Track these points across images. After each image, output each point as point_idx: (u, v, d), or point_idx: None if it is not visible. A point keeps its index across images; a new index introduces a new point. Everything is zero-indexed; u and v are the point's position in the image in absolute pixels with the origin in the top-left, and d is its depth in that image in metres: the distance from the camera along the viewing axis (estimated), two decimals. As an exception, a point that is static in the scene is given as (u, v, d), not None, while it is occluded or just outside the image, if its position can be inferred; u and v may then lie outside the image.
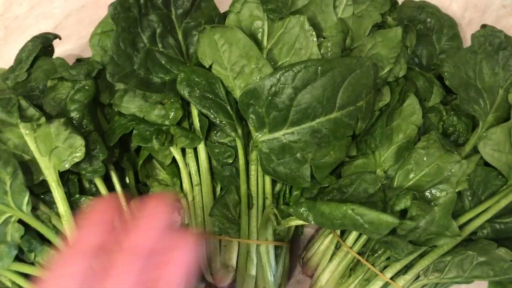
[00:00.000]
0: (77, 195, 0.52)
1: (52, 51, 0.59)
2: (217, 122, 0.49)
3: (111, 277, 0.31)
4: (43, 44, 0.55)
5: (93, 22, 0.56)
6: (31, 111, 0.47)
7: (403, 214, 0.48)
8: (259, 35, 0.50)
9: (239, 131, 0.51)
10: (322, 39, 0.50)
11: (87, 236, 0.32)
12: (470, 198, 0.51)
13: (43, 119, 0.47)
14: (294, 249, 0.61)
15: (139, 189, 0.57)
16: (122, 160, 0.56)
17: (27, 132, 0.48)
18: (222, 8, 0.55)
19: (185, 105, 0.53)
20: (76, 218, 0.32)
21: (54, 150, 0.49)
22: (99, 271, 0.31)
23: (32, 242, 0.50)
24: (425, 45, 0.61)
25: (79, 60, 0.61)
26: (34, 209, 0.50)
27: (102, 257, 0.31)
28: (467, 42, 0.64)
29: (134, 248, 0.31)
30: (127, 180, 0.57)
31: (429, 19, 0.62)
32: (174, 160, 0.54)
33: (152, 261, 0.32)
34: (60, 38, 0.58)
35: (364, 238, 0.52)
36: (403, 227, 0.45)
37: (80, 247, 0.31)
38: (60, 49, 0.69)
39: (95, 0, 0.72)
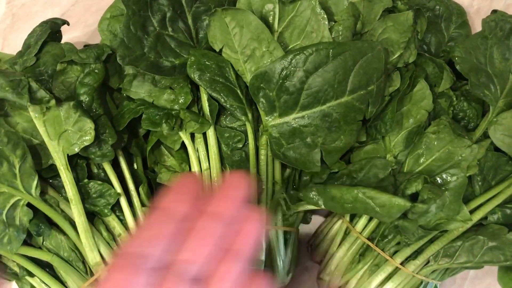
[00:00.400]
0: (86, 180, 0.52)
1: (60, 37, 0.59)
2: (227, 106, 0.49)
3: (192, 239, 0.34)
4: (52, 29, 0.55)
5: (100, 10, 0.56)
6: (41, 93, 0.47)
7: (413, 198, 0.47)
8: (270, 18, 0.49)
9: (249, 115, 0.50)
10: (333, 23, 0.49)
11: (174, 203, 0.35)
12: (480, 183, 0.51)
13: (53, 102, 0.47)
14: (302, 237, 0.60)
15: (147, 175, 0.57)
16: (130, 146, 0.56)
17: (36, 115, 0.48)
18: (232, -6, 0.55)
19: (194, 90, 0.53)
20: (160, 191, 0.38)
21: (63, 133, 0.48)
22: (183, 234, 0.34)
23: (41, 226, 0.50)
24: (434, 33, 0.61)
25: (87, 46, 0.61)
26: (42, 193, 0.50)
27: (187, 222, 0.34)
28: (475, 30, 0.64)
29: (215, 214, 0.35)
30: (135, 166, 0.57)
31: (438, 7, 0.62)
32: (182, 145, 0.54)
33: (229, 228, 0.35)
34: (68, 24, 0.58)
35: (374, 223, 0.52)
36: (415, 210, 0.45)
37: (168, 212, 0.34)
38: (67, 36, 0.69)
39: (102, -12, 0.72)
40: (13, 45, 0.70)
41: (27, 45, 0.55)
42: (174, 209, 0.35)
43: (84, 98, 0.50)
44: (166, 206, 0.35)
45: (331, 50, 0.45)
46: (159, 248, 0.33)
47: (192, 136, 0.53)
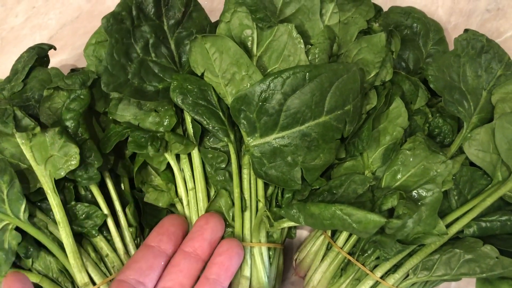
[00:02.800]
0: (73, 202, 0.53)
1: (47, 61, 0.61)
2: (210, 128, 0.51)
3: (175, 272, 0.44)
4: (39, 55, 0.57)
5: (88, 33, 0.58)
6: (26, 121, 0.48)
7: (391, 213, 0.49)
8: (249, 43, 0.51)
9: (231, 136, 0.52)
10: (310, 46, 0.51)
11: (160, 242, 0.46)
12: (456, 197, 0.53)
13: (38, 129, 0.48)
14: (288, 252, 0.62)
15: (134, 195, 0.58)
16: (117, 167, 0.57)
17: (23, 141, 0.49)
18: (213, 18, 0.57)
19: (179, 112, 0.54)
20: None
21: (49, 158, 0.50)
22: (168, 268, 0.45)
23: (29, 249, 0.51)
24: (412, 50, 0.63)
25: (73, 70, 0.62)
26: (31, 216, 0.51)
27: (170, 258, 0.46)
28: (453, 46, 0.66)
29: (193, 254, 0.45)
30: (122, 187, 0.58)
31: (416, 24, 0.64)
32: (168, 166, 0.56)
33: (203, 264, 0.46)
34: (55, 49, 0.59)
35: (354, 238, 0.53)
36: (390, 225, 0.46)
37: (155, 249, 0.45)
38: (56, 59, 0.71)
39: (89, 11, 0.74)
40: (3, 68, 0.71)
41: (14, 71, 0.57)
42: (160, 247, 0.45)
43: (70, 123, 0.51)
44: (154, 244, 0.46)
45: (307, 73, 0.47)
46: (153, 276, 0.44)
47: (178, 157, 0.55)
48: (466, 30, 0.56)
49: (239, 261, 0.47)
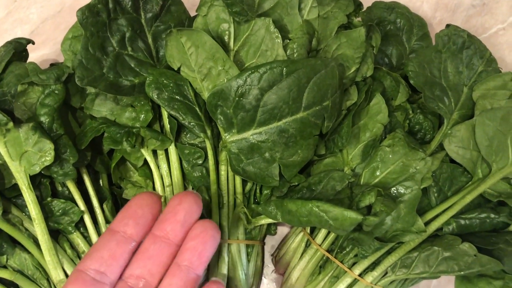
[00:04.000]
0: (49, 198, 0.52)
1: (26, 55, 0.60)
2: (186, 123, 0.50)
3: (143, 259, 0.39)
4: (16, 49, 0.56)
5: (69, 28, 0.57)
6: (-1, 116, 0.48)
7: (369, 210, 0.48)
8: (226, 38, 0.50)
9: (208, 132, 0.51)
10: (288, 41, 0.50)
11: (125, 227, 0.39)
12: (436, 194, 0.52)
13: (10, 124, 0.48)
14: (268, 249, 0.61)
15: (113, 191, 0.57)
16: (95, 163, 0.56)
17: (-3, 136, 0.49)
18: (193, 12, 0.56)
19: (156, 108, 0.54)
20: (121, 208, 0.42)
21: (24, 154, 0.49)
22: (136, 254, 0.39)
23: (3, 245, 0.50)
24: (395, 45, 0.62)
25: (53, 65, 0.61)
26: (5, 212, 0.51)
27: (137, 243, 0.39)
28: (437, 42, 0.66)
29: (163, 238, 0.39)
30: (101, 183, 0.57)
31: (399, 20, 0.63)
32: (146, 162, 0.55)
33: (176, 249, 0.40)
34: (33, 43, 0.58)
35: (332, 235, 0.53)
36: (367, 223, 0.46)
37: (120, 234, 0.39)
38: (37, 54, 0.70)
39: (71, 5, 0.73)
40: (-17, 63, 0.70)
41: (-9, 66, 0.56)
42: (126, 232, 0.39)
43: (45, 118, 0.50)
44: (118, 229, 0.39)
45: (284, 68, 0.46)
46: (117, 266, 0.38)
47: (154, 152, 0.54)
48: (448, 26, 0.55)
49: (214, 245, 0.41)
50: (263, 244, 0.58)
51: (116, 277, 0.38)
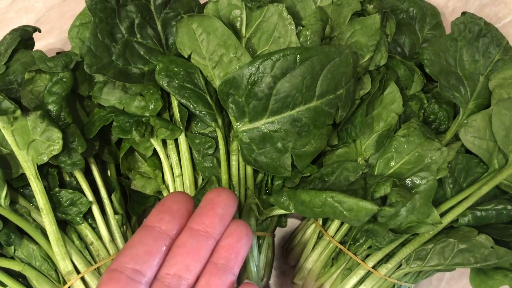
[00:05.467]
0: (57, 189, 0.52)
1: (32, 44, 0.59)
2: (197, 112, 0.49)
3: (182, 255, 0.36)
4: (22, 37, 0.55)
5: (75, 16, 0.56)
6: (6, 103, 0.47)
7: (383, 201, 0.47)
8: (238, 24, 0.49)
9: (219, 121, 0.50)
10: (301, 28, 0.49)
11: (161, 222, 0.37)
12: (451, 185, 0.51)
13: (18, 112, 0.47)
14: (278, 241, 0.60)
15: (120, 182, 0.56)
16: (103, 153, 0.55)
17: (4, 125, 0.48)
18: (204, 0, 0.55)
19: (165, 96, 0.53)
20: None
21: (31, 143, 0.48)
22: (173, 250, 0.37)
23: (11, 236, 0.49)
24: (408, 34, 0.61)
25: (59, 54, 0.60)
26: (13, 203, 0.50)
27: (174, 240, 0.37)
28: (450, 31, 0.64)
29: (203, 232, 0.37)
30: (109, 173, 0.57)
31: (412, 8, 0.62)
32: (155, 152, 0.54)
33: (216, 244, 0.38)
34: (39, 31, 0.57)
35: (345, 227, 0.52)
36: (383, 213, 0.45)
37: (156, 230, 0.37)
38: (42, 43, 0.69)
39: (77, -7, 0.72)
40: (-13, 52, 0.69)
41: (-3, 54, 0.55)
42: (161, 228, 0.37)
43: (53, 107, 0.49)
44: (153, 224, 0.37)
45: (298, 55, 0.45)
46: (153, 263, 0.36)
47: (164, 142, 0.53)
48: (463, 13, 0.54)
49: (249, 244, 0.39)
50: (273, 236, 0.57)
51: (152, 275, 0.36)
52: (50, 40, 0.69)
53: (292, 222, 0.61)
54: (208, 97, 0.50)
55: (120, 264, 0.35)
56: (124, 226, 0.55)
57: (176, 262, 0.36)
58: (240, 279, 0.51)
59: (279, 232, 0.61)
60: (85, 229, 0.52)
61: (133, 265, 0.35)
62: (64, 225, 0.52)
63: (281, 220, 0.58)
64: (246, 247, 0.38)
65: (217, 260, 0.37)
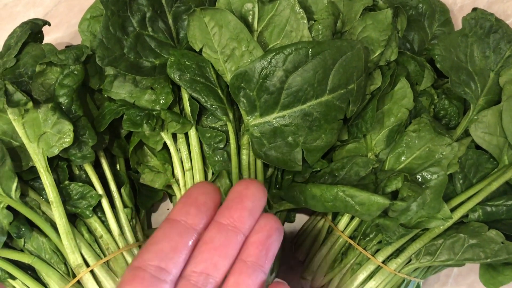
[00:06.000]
0: (67, 182, 0.51)
1: (41, 37, 0.59)
2: (208, 106, 0.49)
3: (210, 251, 0.34)
4: (32, 30, 0.55)
5: (83, 10, 0.56)
6: (18, 95, 0.47)
7: (394, 196, 0.47)
8: (250, 18, 0.49)
9: (230, 115, 0.50)
10: (313, 22, 0.49)
11: (187, 216, 0.34)
12: (461, 181, 0.51)
13: (30, 104, 0.47)
14: (287, 236, 0.60)
15: (130, 176, 0.56)
16: (112, 147, 0.55)
17: (15, 117, 0.48)
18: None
19: (176, 90, 0.53)
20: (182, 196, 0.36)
21: (42, 135, 0.48)
22: (199, 246, 0.34)
23: (21, 229, 0.49)
24: (417, 31, 0.61)
25: (69, 47, 0.60)
26: (23, 195, 0.50)
27: (200, 234, 0.34)
28: (458, 27, 0.64)
29: (232, 226, 0.34)
30: (118, 167, 0.56)
31: (421, 5, 0.62)
32: (165, 146, 0.54)
33: (246, 239, 0.35)
34: (49, 24, 0.57)
35: (355, 222, 0.52)
36: (394, 208, 0.45)
37: (181, 225, 0.34)
38: (51, 37, 0.69)
39: (85, -12, 0.71)
40: (-5, 46, 0.69)
41: (7, 46, 0.55)
42: (187, 222, 0.34)
43: (64, 99, 0.49)
44: (179, 218, 0.35)
45: (310, 50, 0.45)
46: (178, 260, 0.33)
47: (174, 136, 0.53)
48: (474, 9, 0.54)
49: (279, 240, 0.36)
50: (282, 231, 0.57)
51: (178, 273, 0.33)
52: (59, 34, 0.69)
53: (300, 218, 0.61)
54: (219, 91, 0.50)
55: (144, 262, 0.33)
56: (134, 220, 0.55)
57: (203, 259, 0.34)
58: None
59: (287, 227, 0.61)
60: (94, 223, 0.52)
61: (157, 262, 0.33)
62: (73, 219, 0.52)
63: (289, 215, 0.58)
64: (277, 243, 0.36)
65: (247, 258, 0.34)
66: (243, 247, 0.35)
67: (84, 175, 0.53)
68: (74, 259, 0.50)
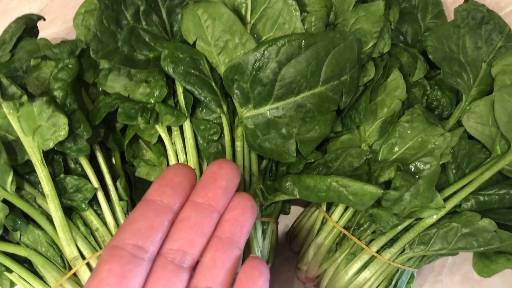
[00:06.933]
0: (62, 175, 0.52)
1: (36, 33, 0.59)
2: (202, 98, 0.49)
3: (185, 229, 0.35)
4: (27, 25, 0.55)
5: (78, 6, 0.56)
6: (13, 89, 0.47)
7: (387, 186, 0.48)
8: (243, 10, 0.50)
9: (224, 107, 0.51)
10: (306, 14, 0.50)
11: (162, 195, 0.35)
12: (454, 171, 0.52)
13: (25, 97, 0.47)
14: (282, 227, 0.61)
15: (125, 169, 0.57)
16: (108, 141, 0.56)
17: (10, 111, 0.48)
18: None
19: (170, 83, 0.53)
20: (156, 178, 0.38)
21: (37, 129, 0.48)
22: (175, 225, 0.35)
23: (17, 222, 0.50)
24: (410, 23, 0.61)
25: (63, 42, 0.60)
26: (18, 189, 0.50)
27: (176, 214, 0.36)
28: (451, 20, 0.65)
29: (207, 205, 0.36)
30: (113, 160, 0.57)
31: (414, -3, 0.62)
32: (160, 139, 0.54)
33: (220, 217, 0.36)
34: (44, 19, 0.57)
35: (349, 212, 0.52)
36: (387, 197, 0.45)
37: (157, 204, 0.35)
38: (46, 32, 0.69)
39: (80, -16, 0.72)
40: (-9, 42, 0.69)
41: (2, 41, 0.55)
42: (163, 201, 0.35)
43: (58, 93, 0.50)
44: (155, 198, 0.36)
45: (303, 41, 0.45)
46: (155, 238, 0.34)
47: (169, 129, 0.53)
48: (466, 1, 0.54)
49: (253, 217, 0.37)
50: (277, 222, 0.57)
51: (155, 251, 0.34)
52: (54, 29, 0.69)
53: (295, 210, 0.61)
54: (213, 83, 0.50)
55: (121, 240, 0.33)
56: (129, 213, 0.55)
57: (180, 237, 0.35)
58: (244, 260, 0.51)
59: (282, 219, 0.61)
60: (90, 216, 0.52)
61: (135, 241, 0.33)
62: (69, 212, 0.52)
63: (284, 207, 0.59)
64: (251, 220, 0.37)
65: (222, 234, 0.36)
66: (218, 225, 0.36)
67: (80, 169, 0.53)
68: (70, 251, 0.50)
